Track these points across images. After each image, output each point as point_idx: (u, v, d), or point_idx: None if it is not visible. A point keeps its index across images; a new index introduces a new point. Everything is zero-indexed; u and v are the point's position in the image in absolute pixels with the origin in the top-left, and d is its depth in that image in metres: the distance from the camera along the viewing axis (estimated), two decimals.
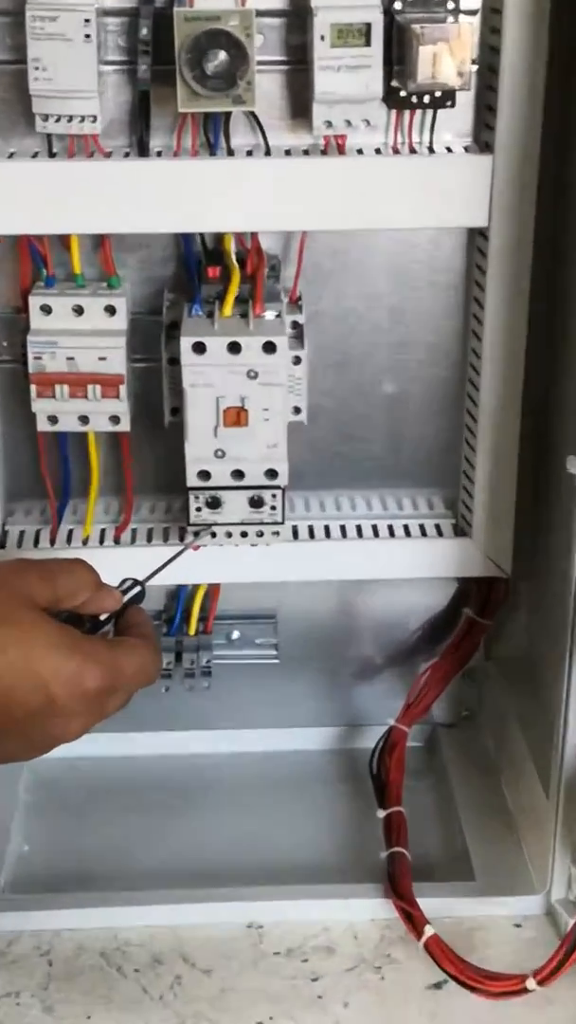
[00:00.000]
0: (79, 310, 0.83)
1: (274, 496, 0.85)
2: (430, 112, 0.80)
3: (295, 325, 0.85)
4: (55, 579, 0.66)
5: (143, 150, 0.80)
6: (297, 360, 0.85)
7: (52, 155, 0.80)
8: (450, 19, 0.76)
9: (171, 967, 0.80)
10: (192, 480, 0.84)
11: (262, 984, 0.78)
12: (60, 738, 0.64)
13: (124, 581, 0.72)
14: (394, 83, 0.78)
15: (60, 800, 0.94)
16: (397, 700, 0.92)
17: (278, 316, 0.82)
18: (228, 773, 0.96)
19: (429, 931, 0.78)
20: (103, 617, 0.69)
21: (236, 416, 0.82)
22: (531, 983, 0.74)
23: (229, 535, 0.86)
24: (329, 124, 0.79)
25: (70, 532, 0.90)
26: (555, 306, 0.84)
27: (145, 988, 0.79)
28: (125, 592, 0.71)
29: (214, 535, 0.86)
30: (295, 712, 0.99)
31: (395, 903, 0.81)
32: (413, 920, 0.79)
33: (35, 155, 0.81)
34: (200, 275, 0.84)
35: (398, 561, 0.90)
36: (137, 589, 0.72)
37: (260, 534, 0.86)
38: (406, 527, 0.91)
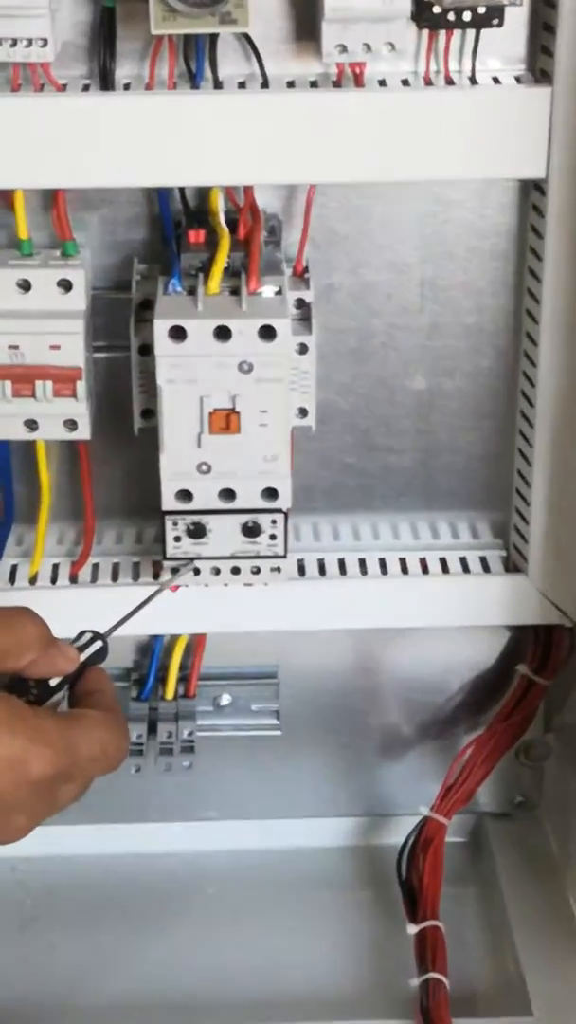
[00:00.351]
0: (25, 285, 0.84)
1: (274, 522, 0.85)
2: (471, 33, 0.81)
3: (300, 304, 0.85)
4: None
5: (107, 82, 0.81)
6: (303, 348, 0.85)
7: None
8: None
9: None
10: (169, 502, 0.84)
11: None
12: (1, 837, 0.64)
13: (82, 634, 0.71)
14: None
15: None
16: (432, 783, 0.92)
17: (278, 293, 0.82)
18: (216, 877, 0.97)
19: None
20: (54, 682, 0.69)
21: (225, 420, 0.82)
22: None
23: (217, 572, 0.86)
24: (343, 49, 0.79)
25: (13, 568, 0.90)
26: None
27: None
28: (82, 649, 0.71)
29: (197, 572, 0.86)
30: (301, 799, 0.99)
31: None
32: None
33: None
34: (179, 240, 0.84)
35: (432, 605, 0.91)
36: (98, 645, 0.71)
37: (256, 570, 0.86)
38: (443, 561, 0.92)
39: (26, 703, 0.66)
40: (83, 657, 0.71)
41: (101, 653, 0.72)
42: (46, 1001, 0.87)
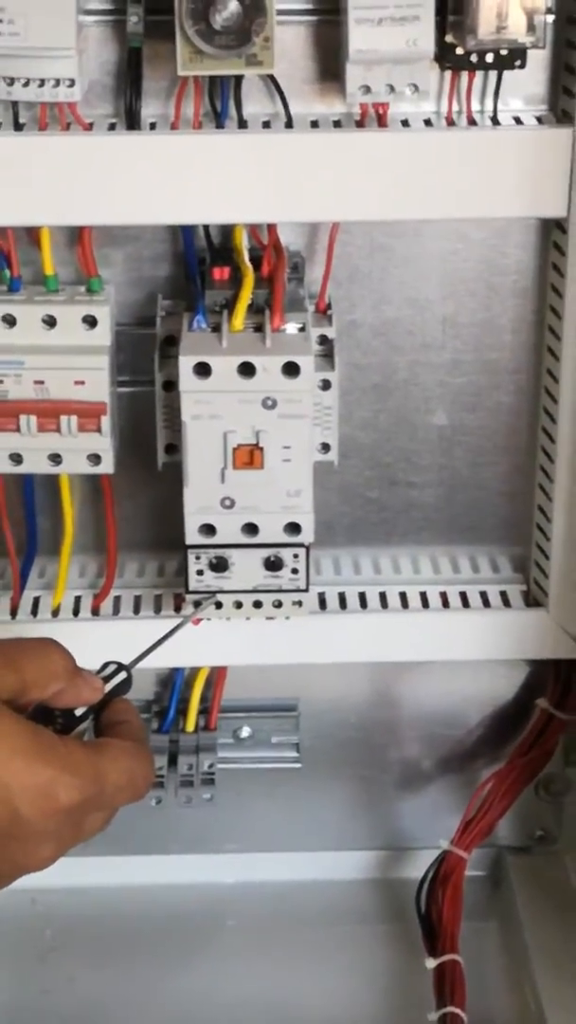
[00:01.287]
0: (51, 321, 0.84)
1: (296, 556, 0.85)
2: (494, 74, 0.81)
3: (323, 340, 0.86)
4: (19, 664, 0.66)
5: (133, 121, 0.82)
6: (326, 385, 0.85)
7: (19, 127, 0.81)
8: None
9: None
10: (193, 536, 0.84)
11: None
12: (26, 866, 0.64)
13: (106, 665, 0.71)
14: (449, 38, 0.79)
15: (16, 946, 0.94)
16: (452, 817, 0.92)
17: (302, 330, 0.83)
18: (235, 909, 0.97)
19: None
20: (79, 712, 0.69)
21: (249, 456, 0.82)
22: None
23: (239, 605, 0.86)
24: (367, 90, 0.79)
25: (36, 600, 0.91)
26: None
27: None
28: (107, 679, 0.71)
29: (220, 605, 0.86)
30: (321, 832, 0.99)
31: None
32: None
33: None
34: (203, 278, 0.84)
35: (453, 639, 0.91)
36: (123, 676, 0.71)
37: (278, 604, 0.86)
38: (463, 595, 0.92)
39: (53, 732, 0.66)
40: (108, 688, 0.70)
41: (125, 684, 0.71)
42: None
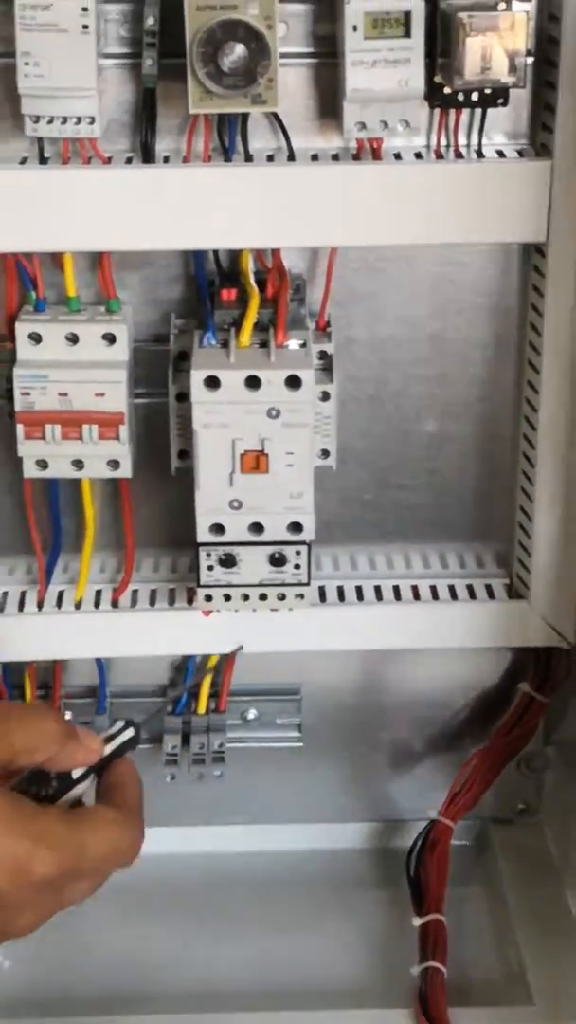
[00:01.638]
0: (73, 338, 0.85)
1: (298, 553, 0.85)
2: (479, 111, 0.82)
3: (323, 356, 0.86)
4: (7, 730, 0.62)
5: (148, 155, 0.82)
6: (325, 396, 0.86)
7: (43, 161, 0.82)
8: (501, 5, 0.77)
9: None
10: (204, 535, 0.84)
11: None
12: (5, 933, 0.61)
13: (115, 722, 0.67)
14: (437, 79, 0.79)
15: None
16: (440, 791, 0.92)
17: (303, 346, 0.83)
18: (242, 876, 0.97)
19: None
20: (77, 773, 0.64)
21: (255, 461, 0.83)
22: None
23: (246, 598, 0.86)
24: (363, 126, 0.80)
25: (60, 594, 0.91)
26: None
27: None
28: (112, 738, 0.66)
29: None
30: (321, 805, 0.99)
31: None
32: None
33: (24, 161, 0.82)
34: (213, 298, 0.85)
35: (442, 628, 0.91)
36: (129, 734, 0.66)
37: (282, 597, 0.86)
38: (451, 588, 0.92)
39: (39, 798, 0.62)
40: (108, 750, 0.65)
41: (133, 741, 0.66)
42: (89, 989, 0.87)
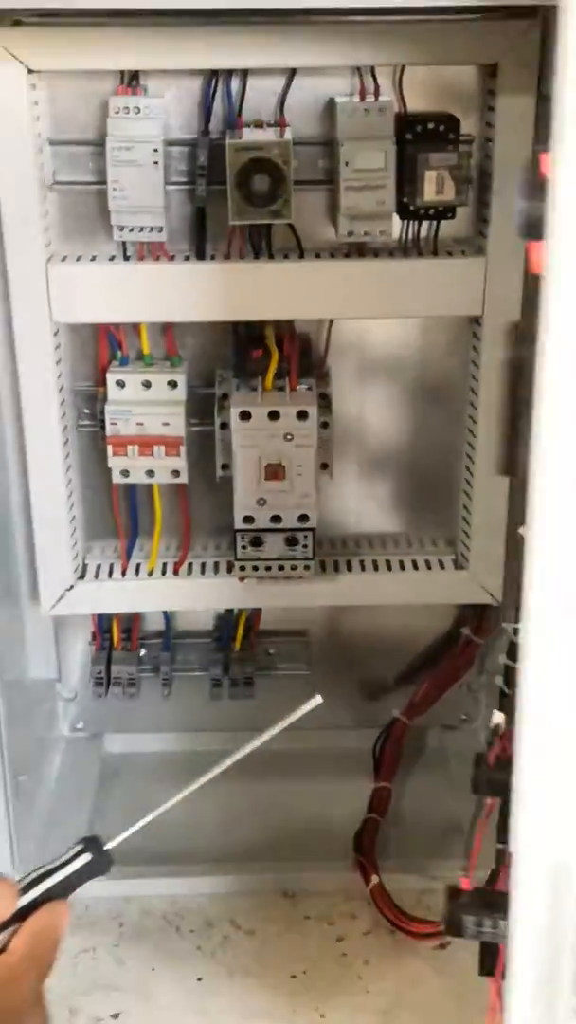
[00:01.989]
0: (147, 384, 0.85)
1: (306, 536, 0.86)
2: (435, 223, 0.82)
3: (323, 396, 0.86)
4: None
5: (200, 254, 0.83)
6: (325, 425, 0.86)
7: (126, 258, 0.83)
8: (451, 147, 0.79)
9: (220, 929, 0.82)
10: (239, 523, 0.85)
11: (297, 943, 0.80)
12: None
13: (73, 847, 0.49)
14: (405, 200, 0.80)
15: (129, 782, 0.94)
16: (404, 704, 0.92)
17: (309, 389, 0.84)
18: (272, 754, 0.94)
19: (374, 880, 0.79)
20: None
21: (275, 472, 0.83)
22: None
23: (268, 568, 0.87)
24: (352, 232, 0.81)
25: (138, 566, 0.91)
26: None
27: (199, 946, 0.80)
28: (30, 886, 0.48)
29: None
30: (323, 716, 0.97)
31: (356, 859, 0.82)
32: (365, 871, 0.81)
33: (112, 258, 0.83)
34: (246, 356, 0.85)
35: (409, 590, 0.91)
36: (82, 861, 0.48)
37: (294, 567, 0.87)
38: (414, 562, 0.92)
39: None
40: (29, 898, 0.47)
41: (98, 864, 0.49)
42: (159, 845, 0.83)
